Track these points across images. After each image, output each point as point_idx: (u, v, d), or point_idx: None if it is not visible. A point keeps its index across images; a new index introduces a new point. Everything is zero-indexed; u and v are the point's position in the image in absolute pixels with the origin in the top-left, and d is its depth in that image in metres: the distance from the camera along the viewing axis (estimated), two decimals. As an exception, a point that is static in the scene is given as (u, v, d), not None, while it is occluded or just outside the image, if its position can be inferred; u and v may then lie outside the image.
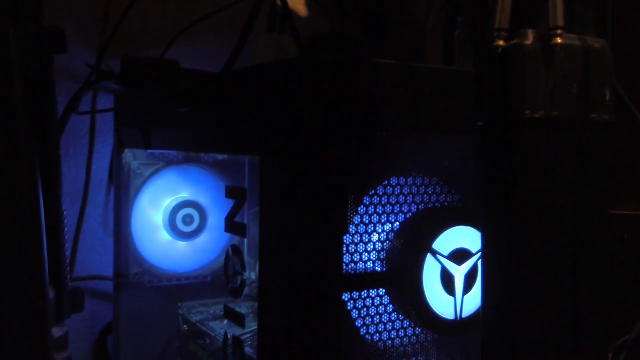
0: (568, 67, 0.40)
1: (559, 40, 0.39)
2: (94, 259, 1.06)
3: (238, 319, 0.65)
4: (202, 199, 1.01)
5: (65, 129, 1.00)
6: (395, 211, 0.61)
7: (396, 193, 0.61)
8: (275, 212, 0.57)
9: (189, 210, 1.01)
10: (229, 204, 0.69)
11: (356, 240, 0.59)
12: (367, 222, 0.60)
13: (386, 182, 0.61)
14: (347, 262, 0.59)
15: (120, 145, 0.95)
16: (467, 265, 0.59)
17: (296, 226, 0.56)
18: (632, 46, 0.63)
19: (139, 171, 0.97)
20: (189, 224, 1.01)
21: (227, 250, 0.66)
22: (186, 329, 0.97)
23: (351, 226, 0.59)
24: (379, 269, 0.60)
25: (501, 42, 0.39)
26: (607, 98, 0.41)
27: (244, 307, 0.75)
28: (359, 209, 0.59)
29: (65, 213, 0.76)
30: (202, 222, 1.02)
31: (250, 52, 1.12)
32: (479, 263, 0.59)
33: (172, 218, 0.99)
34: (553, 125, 0.39)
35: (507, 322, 0.41)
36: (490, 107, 0.39)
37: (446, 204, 0.62)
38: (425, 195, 0.62)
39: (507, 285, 0.40)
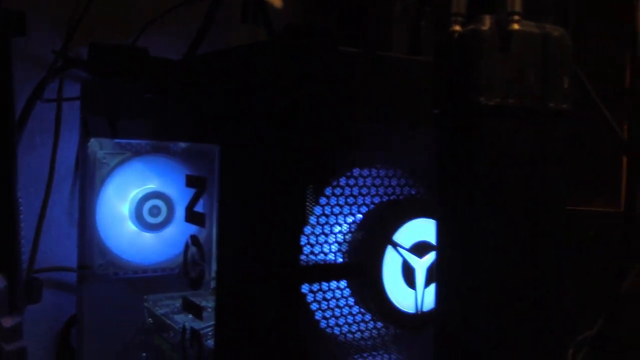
0: (525, 54, 0.39)
1: (516, 26, 0.38)
2: (58, 250, 1.04)
3: (196, 311, 0.64)
4: (170, 190, 1.00)
5: (30, 118, 0.98)
6: (358, 202, 0.60)
7: (359, 184, 0.60)
8: (233, 201, 0.56)
9: (155, 202, 0.99)
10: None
11: (317, 232, 0.58)
12: (329, 213, 0.59)
13: (349, 173, 0.60)
14: (307, 252, 0.58)
15: (86, 134, 0.94)
16: (429, 258, 0.58)
17: (254, 216, 0.55)
18: (594, 35, 0.63)
19: (104, 160, 0.95)
20: (156, 215, 0.99)
21: (187, 240, 0.65)
22: (151, 321, 0.96)
23: (312, 217, 0.58)
24: (340, 261, 0.59)
25: (458, 27, 0.38)
26: (565, 86, 0.40)
27: (211, 300, 0.73)
28: (320, 199, 0.58)
29: (23, 201, 0.74)
30: (169, 213, 1.00)
31: (224, 43, 1.10)
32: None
33: (138, 209, 0.97)
34: (509, 113, 0.38)
35: (459, 315, 0.40)
36: (446, 94, 0.38)
37: (409, 196, 0.61)
38: (389, 188, 0.62)
39: (460, 276, 0.39)
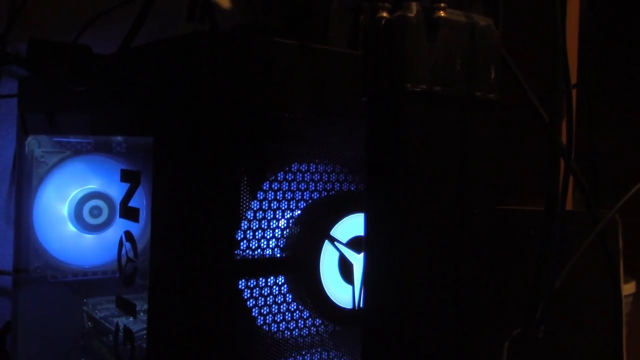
0: (452, 42, 0.39)
1: (442, 14, 0.38)
2: (-7, 252, 1.00)
3: (129, 309, 0.62)
4: (112, 191, 0.97)
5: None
6: (296, 198, 0.59)
7: (297, 179, 0.59)
8: (167, 194, 0.55)
9: (96, 202, 0.97)
10: (141, 194, 0.66)
11: (254, 226, 0.57)
12: (266, 207, 0.58)
13: (287, 168, 0.59)
14: (244, 248, 0.57)
15: (24, 132, 0.91)
16: (367, 253, 0.58)
17: (187, 210, 0.53)
18: (522, 27, 0.64)
19: (42, 159, 0.92)
20: (97, 216, 0.97)
21: (121, 236, 0.63)
22: (90, 326, 0.93)
23: (249, 212, 0.57)
24: (278, 256, 0.58)
25: (384, 14, 0.38)
26: (493, 77, 0.40)
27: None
28: (258, 194, 0.58)
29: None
30: (111, 214, 0.98)
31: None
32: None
33: (78, 210, 0.95)
34: (435, 100, 0.38)
35: (385, 311, 0.39)
36: (373, 81, 0.38)
37: (348, 192, 0.61)
38: (328, 183, 0.61)
39: (385, 270, 0.39)
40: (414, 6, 0.37)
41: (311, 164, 0.60)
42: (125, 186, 0.63)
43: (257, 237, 0.57)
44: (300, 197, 0.60)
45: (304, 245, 0.56)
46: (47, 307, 0.95)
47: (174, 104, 0.54)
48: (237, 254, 0.55)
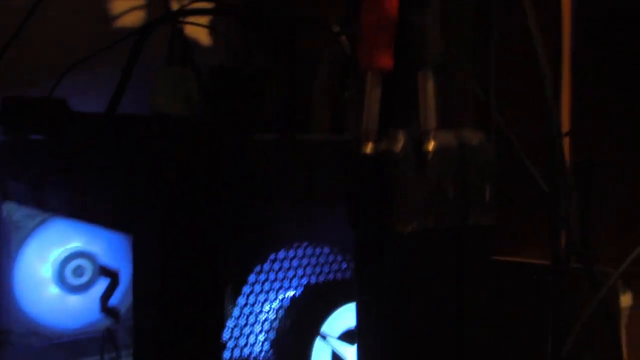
0: (443, 170, 0.36)
1: (432, 144, 0.35)
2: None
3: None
4: (95, 248, 0.95)
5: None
6: (284, 286, 0.57)
7: (284, 267, 0.57)
8: (149, 299, 0.52)
9: (79, 261, 0.94)
10: (126, 251, 0.63)
11: (241, 323, 0.55)
12: (253, 302, 0.55)
13: (273, 256, 0.56)
14: (232, 347, 0.54)
15: (3, 198, 0.88)
16: (360, 344, 0.56)
17: (170, 314, 0.51)
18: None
19: (21, 224, 0.89)
20: (80, 275, 0.94)
21: (103, 334, 0.60)
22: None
23: (235, 309, 0.54)
24: (267, 349, 0.56)
25: (368, 147, 0.35)
26: (487, 198, 0.38)
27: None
28: (244, 288, 0.55)
29: None
30: (95, 272, 0.95)
31: (149, 84, 1.06)
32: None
33: (60, 270, 0.92)
34: (426, 237, 0.36)
35: None
36: (361, 218, 0.35)
37: (339, 275, 0.59)
38: (317, 267, 0.59)
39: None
40: (400, 138, 0.34)
41: (299, 249, 0.57)
42: (111, 245, 0.60)
43: (244, 333, 0.55)
44: (288, 285, 0.57)
45: (294, 344, 0.53)
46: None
47: (152, 202, 0.51)
48: (225, 357, 0.53)
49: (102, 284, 0.95)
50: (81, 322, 0.94)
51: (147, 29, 0.62)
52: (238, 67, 1.03)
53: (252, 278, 0.55)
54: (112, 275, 0.57)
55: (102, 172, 0.60)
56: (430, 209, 0.35)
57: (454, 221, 0.36)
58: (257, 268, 0.56)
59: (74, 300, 0.94)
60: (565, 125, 0.59)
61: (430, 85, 0.35)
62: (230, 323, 0.54)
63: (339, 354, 0.55)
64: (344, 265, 0.60)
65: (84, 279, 0.94)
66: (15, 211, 0.88)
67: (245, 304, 0.55)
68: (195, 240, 0.50)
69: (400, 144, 0.34)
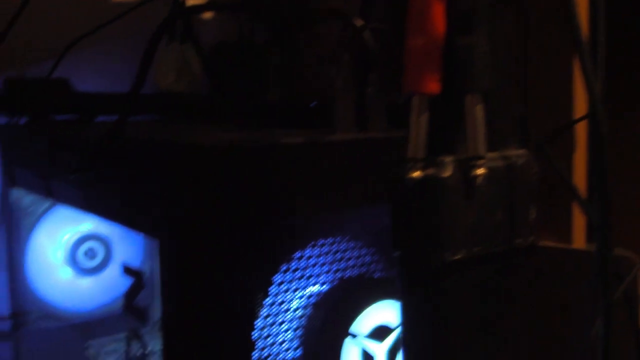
0: (491, 195, 0.35)
1: (481, 171, 0.34)
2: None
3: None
4: (105, 230, 0.94)
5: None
6: (311, 284, 0.57)
7: (310, 265, 0.56)
8: (177, 303, 0.52)
9: (91, 244, 0.94)
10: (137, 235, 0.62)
11: (269, 323, 0.55)
12: (280, 301, 0.55)
13: (299, 254, 0.56)
14: (260, 347, 0.54)
15: (11, 183, 0.86)
16: (389, 340, 0.56)
17: (199, 319, 0.51)
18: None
19: (30, 209, 0.89)
20: (92, 257, 0.94)
21: (127, 334, 0.60)
22: (96, 371, 0.92)
23: (262, 310, 0.54)
24: (296, 344, 0.56)
25: (416, 174, 0.34)
26: (532, 217, 0.37)
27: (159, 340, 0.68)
28: (270, 288, 0.54)
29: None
30: (107, 254, 0.95)
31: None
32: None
33: (72, 253, 0.92)
34: (473, 263, 0.35)
35: None
36: (404, 245, 0.34)
37: (365, 269, 0.58)
38: (343, 262, 0.58)
39: None
40: (449, 164, 0.34)
41: (324, 247, 0.57)
42: (122, 226, 0.60)
43: (272, 333, 0.55)
44: (315, 282, 0.57)
45: (324, 345, 0.53)
46: (49, 349, 0.93)
47: (179, 209, 0.51)
48: (254, 357, 0.53)
49: (113, 267, 0.95)
50: (95, 304, 0.95)
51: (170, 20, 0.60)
52: (241, 42, 1.00)
53: (278, 277, 0.55)
54: (137, 276, 0.57)
55: (119, 170, 0.58)
56: (477, 235, 0.35)
57: (500, 245, 0.36)
58: (284, 267, 0.55)
59: (87, 283, 0.95)
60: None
61: (479, 110, 0.34)
62: (258, 323, 0.54)
63: (369, 352, 0.55)
64: (369, 259, 0.60)
65: (96, 261, 0.94)
66: (23, 196, 0.87)
67: (273, 304, 0.54)
68: (220, 242, 0.50)
69: (449, 170, 0.33)
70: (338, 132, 0.51)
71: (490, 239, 0.35)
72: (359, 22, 0.55)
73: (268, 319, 0.55)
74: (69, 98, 0.90)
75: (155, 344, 0.77)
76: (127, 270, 0.58)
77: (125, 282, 0.92)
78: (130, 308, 0.56)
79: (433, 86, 0.33)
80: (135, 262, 0.93)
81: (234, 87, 0.96)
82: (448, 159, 0.34)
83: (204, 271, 0.51)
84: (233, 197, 0.49)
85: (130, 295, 0.56)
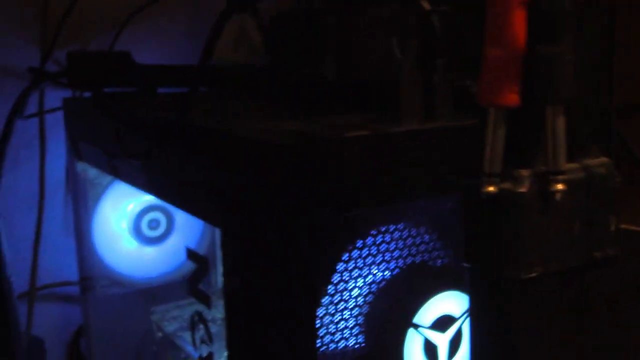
0: (569, 208, 0.34)
1: (560, 186, 0.33)
2: (58, 263, 1.02)
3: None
4: (168, 201, 0.96)
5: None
6: (373, 272, 0.56)
7: (372, 253, 0.56)
8: (239, 290, 0.52)
9: (154, 214, 0.96)
10: None
11: (331, 310, 0.55)
12: (342, 289, 0.55)
13: (360, 243, 0.55)
14: (322, 334, 0.55)
15: (76, 156, 0.88)
16: (451, 330, 0.56)
17: (261, 307, 0.51)
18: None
19: (96, 181, 0.91)
20: (155, 228, 0.96)
21: (192, 315, 0.62)
22: (161, 336, 0.95)
23: (325, 298, 0.54)
24: (357, 331, 0.56)
25: (491, 188, 0.33)
26: (612, 228, 0.35)
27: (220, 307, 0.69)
28: (332, 276, 0.55)
29: (17, 220, 0.70)
30: (169, 225, 0.97)
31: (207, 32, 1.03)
32: (464, 325, 0.55)
33: (136, 224, 0.94)
34: (550, 279, 0.34)
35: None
36: (477, 260, 0.34)
37: (427, 255, 0.58)
38: (405, 249, 0.58)
39: None
40: (526, 178, 0.32)
41: (386, 234, 0.57)
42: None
43: (334, 320, 0.55)
44: (377, 270, 0.56)
45: (387, 335, 0.53)
46: (115, 312, 0.96)
47: (245, 199, 0.51)
48: (318, 345, 0.53)
49: (176, 237, 0.97)
50: (158, 272, 0.97)
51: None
52: (299, 12, 0.98)
53: (340, 266, 0.55)
54: (201, 261, 0.58)
55: (183, 157, 0.59)
56: (553, 250, 0.33)
57: (578, 260, 0.34)
58: (345, 256, 0.55)
59: (150, 252, 0.97)
60: None
61: (560, 122, 0.32)
62: (320, 311, 0.54)
63: (432, 341, 0.55)
64: (432, 246, 0.59)
65: (159, 231, 0.96)
66: (89, 168, 0.89)
67: (335, 292, 0.55)
68: (283, 234, 0.50)
69: (526, 185, 0.32)
70: (403, 121, 0.50)
71: (567, 254, 0.34)
72: (426, 5, 0.53)
73: (330, 307, 0.55)
74: (131, 71, 0.91)
75: (216, 311, 0.79)
76: (191, 254, 0.59)
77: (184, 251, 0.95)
78: (195, 292, 0.57)
79: (512, 99, 0.31)
80: (197, 233, 0.95)
81: (291, 58, 0.95)
82: (525, 172, 0.32)
83: (266, 262, 0.51)
84: (296, 190, 0.49)
85: (194, 280, 0.57)
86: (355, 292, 0.56)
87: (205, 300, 0.58)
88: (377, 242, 0.57)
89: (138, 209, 0.94)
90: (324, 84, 0.75)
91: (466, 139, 0.53)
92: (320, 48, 0.84)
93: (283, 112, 0.69)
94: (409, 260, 0.58)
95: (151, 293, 0.97)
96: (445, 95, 0.53)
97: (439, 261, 0.58)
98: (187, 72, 0.92)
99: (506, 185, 0.32)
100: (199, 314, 0.60)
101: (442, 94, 0.53)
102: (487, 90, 0.32)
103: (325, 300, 0.55)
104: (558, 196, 0.32)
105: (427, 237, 0.59)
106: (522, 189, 0.32)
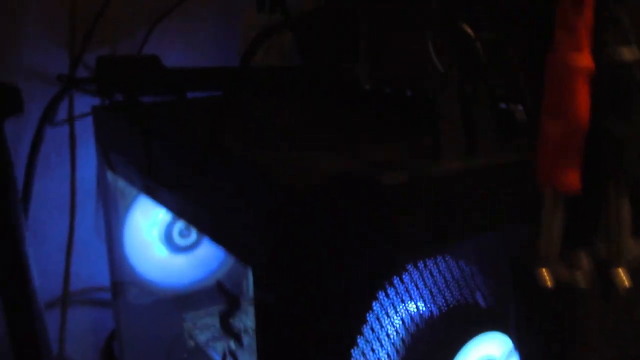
0: (633, 293, 0.31)
1: (623, 274, 0.30)
2: (89, 268, 1.02)
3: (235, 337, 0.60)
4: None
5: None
6: (411, 310, 0.54)
7: (411, 288, 0.54)
8: (271, 328, 0.51)
9: (184, 223, 0.95)
10: None
11: (367, 350, 0.53)
12: (379, 327, 0.53)
13: (397, 280, 0.53)
14: (359, 370, 0.53)
15: (109, 169, 0.87)
16: (492, 373, 0.53)
17: (295, 349, 0.50)
18: None
19: (126, 191, 0.90)
20: (186, 236, 0.95)
21: (224, 351, 0.60)
22: (192, 344, 0.95)
23: (360, 338, 0.52)
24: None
25: (548, 281, 0.30)
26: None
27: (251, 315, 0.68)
28: (368, 315, 0.53)
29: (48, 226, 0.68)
30: (200, 233, 0.96)
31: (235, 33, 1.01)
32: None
33: (167, 232, 0.94)
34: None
35: None
36: (533, 345, 0.31)
37: (477, 296, 0.55)
38: (453, 285, 0.55)
39: None
40: (585, 264, 0.29)
41: (425, 270, 0.54)
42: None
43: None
44: (416, 308, 0.54)
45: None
46: (147, 318, 0.96)
47: (275, 240, 0.49)
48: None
49: (206, 245, 0.96)
50: (189, 281, 0.96)
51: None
52: (330, 10, 0.95)
53: (376, 306, 0.53)
54: (233, 299, 0.56)
55: (214, 187, 0.57)
56: (612, 339, 0.31)
57: (638, 348, 0.32)
58: (381, 295, 0.53)
59: (180, 260, 0.96)
60: None
61: (625, 202, 0.29)
62: (355, 352, 0.52)
63: (471, 388, 0.53)
64: (474, 284, 0.56)
65: (190, 239, 0.95)
66: (118, 179, 0.88)
67: (372, 329, 0.53)
68: (313, 277, 0.48)
69: (585, 274, 0.29)
70: (443, 159, 0.47)
71: (626, 342, 0.31)
72: (469, 31, 0.49)
73: (367, 344, 0.53)
74: (160, 75, 0.89)
75: (247, 319, 0.78)
76: (221, 289, 0.57)
77: (218, 259, 0.94)
78: (227, 329, 0.56)
79: (572, 182, 0.28)
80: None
81: (323, 59, 0.92)
82: (585, 258, 0.29)
83: (299, 299, 0.49)
84: (325, 232, 0.47)
85: (226, 316, 0.56)
86: (392, 329, 0.54)
87: (237, 338, 0.56)
88: (415, 279, 0.54)
89: (169, 217, 0.93)
90: (359, 91, 0.73)
91: (510, 175, 0.50)
92: (352, 48, 0.81)
93: (320, 132, 0.66)
94: (449, 299, 0.56)
95: (182, 299, 0.96)
96: (486, 124, 0.50)
97: (481, 301, 0.56)
98: (218, 75, 0.90)
99: (564, 274, 0.30)
100: (232, 352, 0.59)
101: (482, 124, 0.50)
102: (546, 170, 0.29)
103: (361, 339, 0.53)
104: (621, 285, 0.30)
105: (468, 274, 0.56)
106: (582, 280, 0.29)
